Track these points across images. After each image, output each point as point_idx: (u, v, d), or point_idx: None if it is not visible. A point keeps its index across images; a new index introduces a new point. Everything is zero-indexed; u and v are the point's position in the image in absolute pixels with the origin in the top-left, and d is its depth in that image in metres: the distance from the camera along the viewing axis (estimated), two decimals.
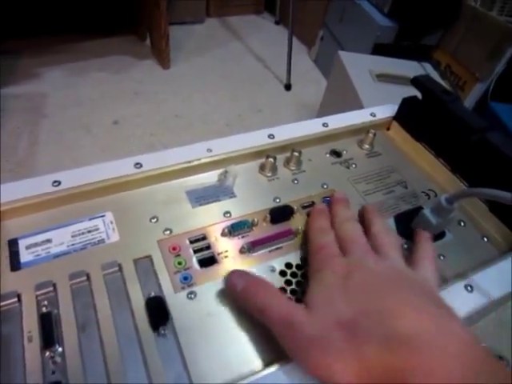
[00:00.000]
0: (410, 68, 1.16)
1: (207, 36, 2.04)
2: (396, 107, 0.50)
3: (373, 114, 0.50)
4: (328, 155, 0.46)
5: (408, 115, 0.48)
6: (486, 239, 0.40)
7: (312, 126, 0.46)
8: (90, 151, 1.23)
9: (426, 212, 0.36)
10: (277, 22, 2.31)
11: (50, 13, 1.61)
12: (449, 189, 0.44)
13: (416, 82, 0.45)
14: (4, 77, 1.45)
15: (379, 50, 1.39)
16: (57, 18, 1.64)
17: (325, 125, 0.47)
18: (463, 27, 1.27)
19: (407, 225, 0.39)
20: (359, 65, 1.12)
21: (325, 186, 0.42)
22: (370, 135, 0.46)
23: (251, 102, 1.57)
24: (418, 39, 1.39)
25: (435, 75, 1.15)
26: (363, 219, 0.36)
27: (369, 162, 0.46)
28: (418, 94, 0.46)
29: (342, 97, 1.13)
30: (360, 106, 0.95)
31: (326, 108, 1.29)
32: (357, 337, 0.24)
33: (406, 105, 0.48)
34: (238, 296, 0.29)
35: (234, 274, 0.30)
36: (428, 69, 1.16)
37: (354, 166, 0.45)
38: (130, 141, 1.30)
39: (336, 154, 0.46)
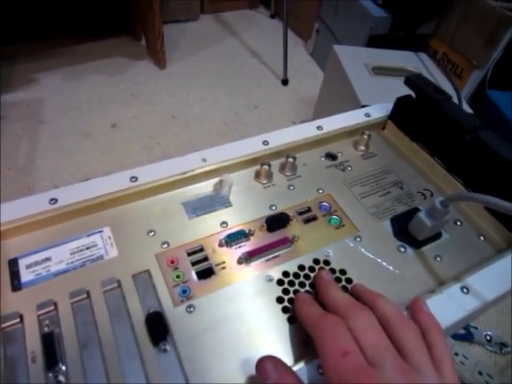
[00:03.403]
0: (406, 59, 1.15)
1: (202, 33, 2.03)
2: (391, 106, 0.50)
3: (367, 115, 0.50)
4: (323, 159, 0.46)
5: (402, 115, 0.48)
6: (482, 238, 0.40)
7: (306, 130, 0.46)
8: (89, 155, 1.23)
9: (421, 215, 0.36)
10: (272, 16, 2.29)
11: (44, 17, 1.60)
12: (444, 188, 0.44)
13: (409, 82, 0.45)
14: (2, 84, 1.45)
15: (375, 41, 1.38)
16: (51, 22, 1.63)
17: (319, 128, 0.47)
18: (458, 14, 1.26)
19: (404, 227, 0.39)
20: (355, 58, 1.11)
21: (320, 191, 0.42)
22: (365, 137, 0.46)
23: (248, 99, 1.57)
24: (413, 29, 1.38)
25: (431, 65, 1.14)
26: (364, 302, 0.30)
27: (364, 164, 0.46)
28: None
29: (338, 92, 1.13)
30: (356, 101, 0.95)
31: (323, 104, 1.29)
32: None
33: (401, 104, 0.48)
34: None
35: (265, 362, 0.26)
36: (424, 59, 1.16)
37: (349, 168, 0.45)
38: (129, 144, 1.30)
39: (331, 156, 0.46)
